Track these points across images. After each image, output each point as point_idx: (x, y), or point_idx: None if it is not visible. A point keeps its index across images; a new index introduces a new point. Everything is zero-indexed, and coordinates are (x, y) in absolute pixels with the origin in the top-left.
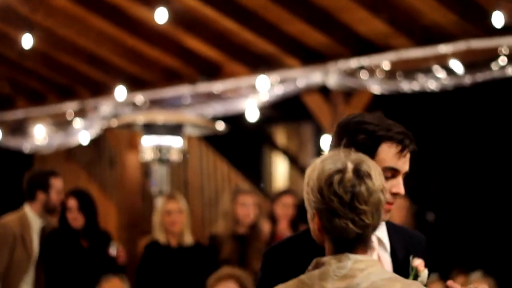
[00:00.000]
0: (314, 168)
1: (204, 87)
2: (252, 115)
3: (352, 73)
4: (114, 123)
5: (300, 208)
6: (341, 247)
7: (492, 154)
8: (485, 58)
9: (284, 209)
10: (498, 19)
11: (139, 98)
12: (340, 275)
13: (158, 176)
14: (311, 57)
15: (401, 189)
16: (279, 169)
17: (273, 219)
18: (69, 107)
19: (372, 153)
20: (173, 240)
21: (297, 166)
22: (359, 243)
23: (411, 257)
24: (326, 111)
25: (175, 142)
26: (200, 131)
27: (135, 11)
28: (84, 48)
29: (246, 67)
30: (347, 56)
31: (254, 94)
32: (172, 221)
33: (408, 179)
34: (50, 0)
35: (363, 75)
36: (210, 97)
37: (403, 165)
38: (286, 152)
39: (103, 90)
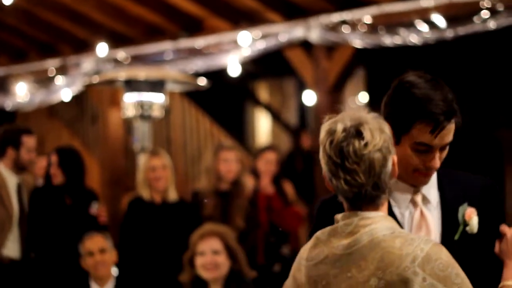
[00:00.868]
0: (322, 129)
1: (186, 42)
2: (234, 71)
3: (334, 27)
4: (96, 79)
5: (282, 164)
6: (350, 205)
7: (475, 107)
8: (467, 12)
9: (267, 165)
10: None
11: (121, 54)
12: (347, 232)
13: (140, 133)
14: (293, 12)
15: (434, 164)
16: (262, 125)
17: (255, 175)
18: (51, 64)
19: (406, 130)
20: (157, 197)
21: (280, 121)
22: (364, 201)
23: (460, 207)
24: (308, 66)
25: (157, 98)
26: (182, 87)
27: None
28: (65, 4)
29: (228, 23)
30: (329, 11)
31: (236, 50)
32: (156, 177)
33: None
34: None
35: (345, 29)
36: (192, 52)
37: (439, 141)
38: (268, 108)
39: (84, 46)
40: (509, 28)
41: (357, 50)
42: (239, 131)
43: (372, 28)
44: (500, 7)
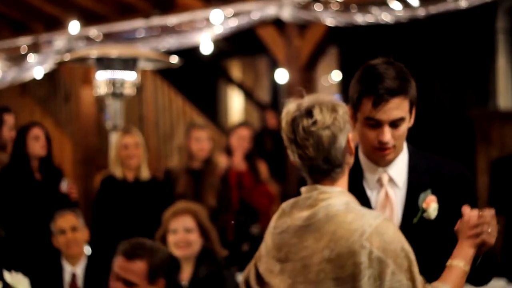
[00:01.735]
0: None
1: (158, 20)
2: (207, 49)
3: (306, 5)
4: (67, 57)
5: (255, 141)
6: (310, 179)
7: (447, 87)
8: None
9: (240, 141)
10: None
11: (93, 32)
12: (307, 204)
13: (112, 111)
14: None
15: (383, 138)
16: (235, 103)
17: (228, 153)
18: (23, 42)
19: (357, 107)
20: (129, 175)
21: (253, 99)
22: (320, 175)
23: (422, 194)
24: (281, 44)
25: (129, 76)
26: (154, 65)
27: None
28: None
29: (200, 0)
30: None
31: (208, 28)
32: (129, 155)
33: None
34: None
35: (317, 7)
36: (165, 30)
37: (385, 115)
38: (241, 86)
39: (56, 24)
40: (481, 6)
41: (330, 28)
42: (212, 109)
43: (345, 7)
44: None
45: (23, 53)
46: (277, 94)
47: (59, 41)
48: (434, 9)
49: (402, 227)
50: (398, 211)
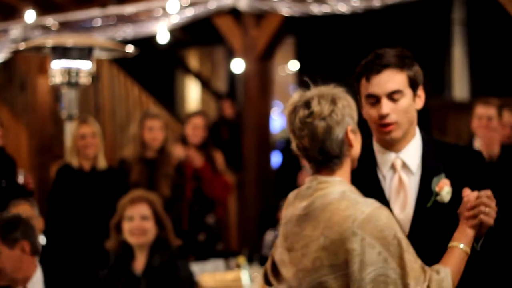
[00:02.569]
0: None
1: (114, 9)
2: (163, 38)
3: None
4: (23, 46)
5: (212, 130)
6: (311, 169)
7: None
8: None
9: (195, 130)
10: None
11: (49, 21)
12: (307, 194)
13: (67, 100)
14: None
15: (381, 110)
16: (192, 92)
17: (184, 143)
18: None
19: (359, 89)
20: (86, 164)
21: (209, 89)
22: (320, 166)
23: (435, 177)
24: (237, 34)
25: (84, 65)
26: (110, 54)
27: None
28: None
29: None
30: None
31: (165, 17)
32: (86, 144)
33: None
34: None
35: None
36: (121, 19)
37: (380, 88)
38: (198, 75)
39: (12, 13)
40: None
41: (287, 18)
42: (169, 98)
43: None
44: None
45: None
46: (234, 84)
47: (15, 30)
48: None
49: (417, 211)
50: (412, 196)
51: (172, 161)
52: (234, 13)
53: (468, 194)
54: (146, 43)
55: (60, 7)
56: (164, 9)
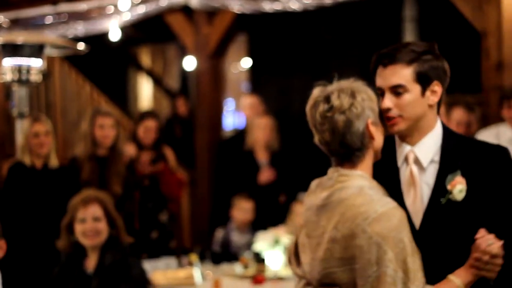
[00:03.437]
0: None
1: (66, 7)
2: (115, 35)
3: None
4: None
5: (163, 127)
6: (334, 161)
7: (354, 74)
8: None
9: (146, 132)
10: None
11: (0, 18)
12: (328, 185)
13: (17, 98)
14: None
15: (383, 104)
16: (144, 90)
17: (136, 141)
18: None
19: (375, 82)
20: (38, 162)
21: (162, 86)
22: (341, 159)
23: (450, 175)
24: (189, 32)
25: (35, 63)
26: (61, 52)
27: None
28: None
29: None
30: None
31: (117, 14)
32: (40, 143)
33: (273, 101)
34: None
35: None
36: (73, 17)
37: (384, 81)
38: (150, 73)
39: None
40: None
41: (238, 15)
42: (121, 96)
43: None
44: None
45: None
46: (186, 82)
47: None
48: None
49: (430, 207)
50: (424, 191)
51: (124, 159)
52: (186, 10)
53: (481, 238)
54: (98, 40)
55: (12, 4)
56: (115, 6)
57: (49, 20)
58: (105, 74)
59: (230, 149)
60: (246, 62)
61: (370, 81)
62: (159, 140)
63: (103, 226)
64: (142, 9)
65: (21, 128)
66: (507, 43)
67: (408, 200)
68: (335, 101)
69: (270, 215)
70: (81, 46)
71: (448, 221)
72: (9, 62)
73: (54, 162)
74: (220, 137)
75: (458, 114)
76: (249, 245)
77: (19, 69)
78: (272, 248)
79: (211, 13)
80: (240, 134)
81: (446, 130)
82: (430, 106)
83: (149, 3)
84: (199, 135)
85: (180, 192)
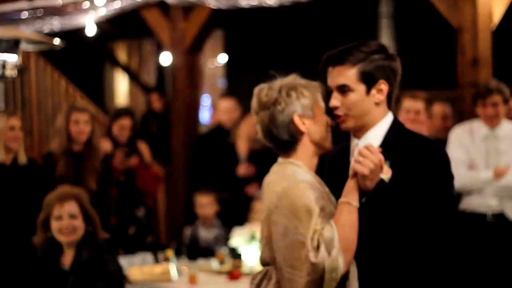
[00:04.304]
0: None
1: (42, 2)
2: (91, 30)
3: None
4: None
5: (139, 123)
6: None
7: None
8: None
9: (121, 130)
10: None
11: None
12: (270, 172)
13: None
14: None
15: (330, 102)
16: (120, 86)
17: (111, 137)
18: None
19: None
20: (7, 158)
21: (138, 82)
22: (277, 149)
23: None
24: (165, 27)
25: (10, 58)
26: (36, 47)
27: None
28: None
29: None
30: None
31: (92, 9)
32: (15, 136)
33: (249, 97)
34: None
35: None
36: (48, 12)
37: (331, 80)
38: (126, 68)
39: None
40: None
41: (215, 11)
42: (97, 91)
43: None
44: None
45: None
46: (163, 77)
47: None
48: None
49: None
50: None
51: (99, 155)
52: (162, 5)
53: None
54: (73, 35)
55: None
56: (91, 1)
57: (24, 15)
58: (81, 70)
59: (208, 144)
60: (223, 58)
61: None
62: (133, 137)
63: (79, 223)
64: (118, 4)
65: None
66: (482, 40)
67: None
68: (263, 97)
69: (247, 209)
70: (57, 41)
71: (380, 207)
72: None
73: (22, 158)
74: (196, 133)
75: (440, 109)
76: (217, 239)
77: None
78: (248, 244)
79: (187, 9)
80: (219, 129)
81: (395, 125)
82: (377, 103)
83: None
84: (175, 130)
85: (156, 187)
